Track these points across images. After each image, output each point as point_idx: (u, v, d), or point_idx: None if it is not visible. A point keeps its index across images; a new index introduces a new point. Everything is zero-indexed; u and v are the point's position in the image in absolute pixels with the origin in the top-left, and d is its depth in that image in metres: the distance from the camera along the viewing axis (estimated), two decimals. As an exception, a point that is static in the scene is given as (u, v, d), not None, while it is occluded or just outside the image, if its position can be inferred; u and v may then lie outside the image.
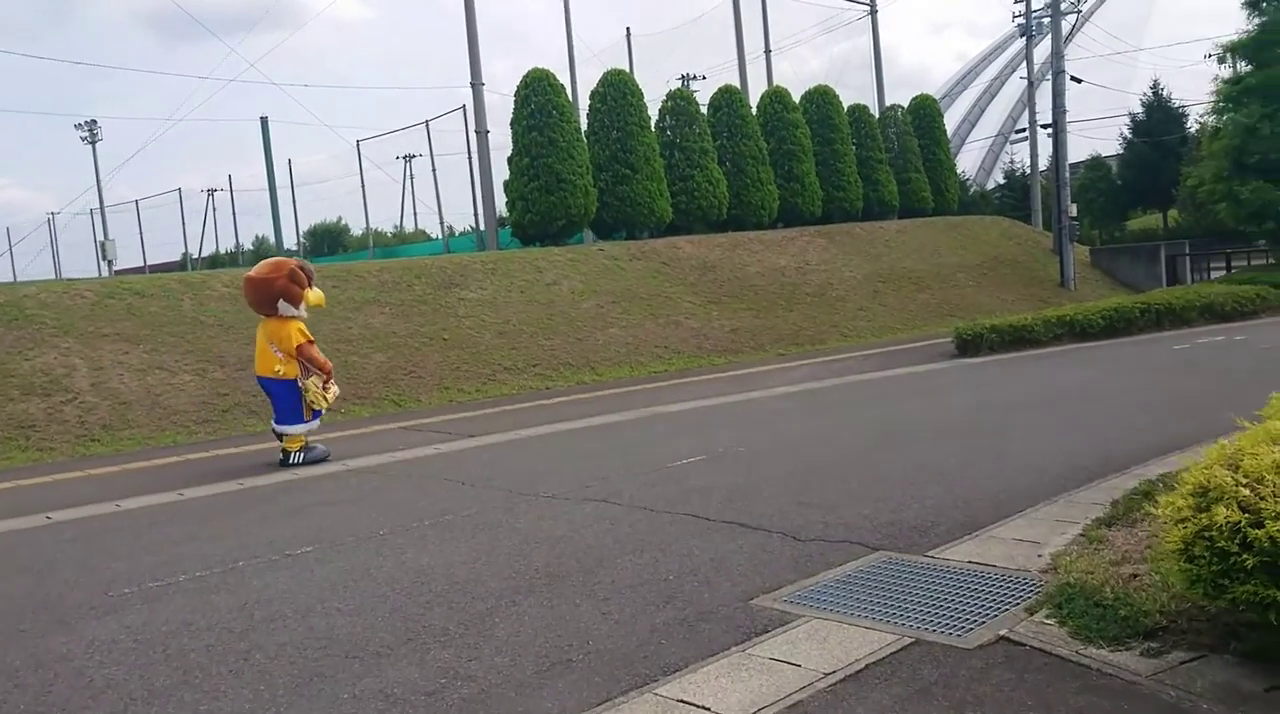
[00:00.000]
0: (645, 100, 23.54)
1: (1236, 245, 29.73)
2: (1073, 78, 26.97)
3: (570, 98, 21.89)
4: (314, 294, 9.40)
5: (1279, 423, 3.76)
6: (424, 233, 72.71)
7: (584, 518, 6.38)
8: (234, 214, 67.15)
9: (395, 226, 75.43)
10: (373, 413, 13.26)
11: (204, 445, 11.08)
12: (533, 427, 10.98)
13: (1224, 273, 24.02)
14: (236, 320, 14.03)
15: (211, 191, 50.04)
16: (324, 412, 9.50)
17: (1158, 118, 48.40)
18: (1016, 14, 33.50)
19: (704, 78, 49.03)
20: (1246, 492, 3.28)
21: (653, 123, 24.06)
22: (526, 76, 21.44)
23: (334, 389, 9.41)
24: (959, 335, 15.93)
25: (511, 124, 21.70)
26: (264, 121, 34.51)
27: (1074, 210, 26.29)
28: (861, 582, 4.75)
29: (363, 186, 35.74)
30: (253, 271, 9.41)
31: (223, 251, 50.59)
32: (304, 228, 72.20)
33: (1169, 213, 48.87)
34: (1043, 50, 35.64)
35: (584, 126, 23.27)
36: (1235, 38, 20.92)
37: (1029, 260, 26.93)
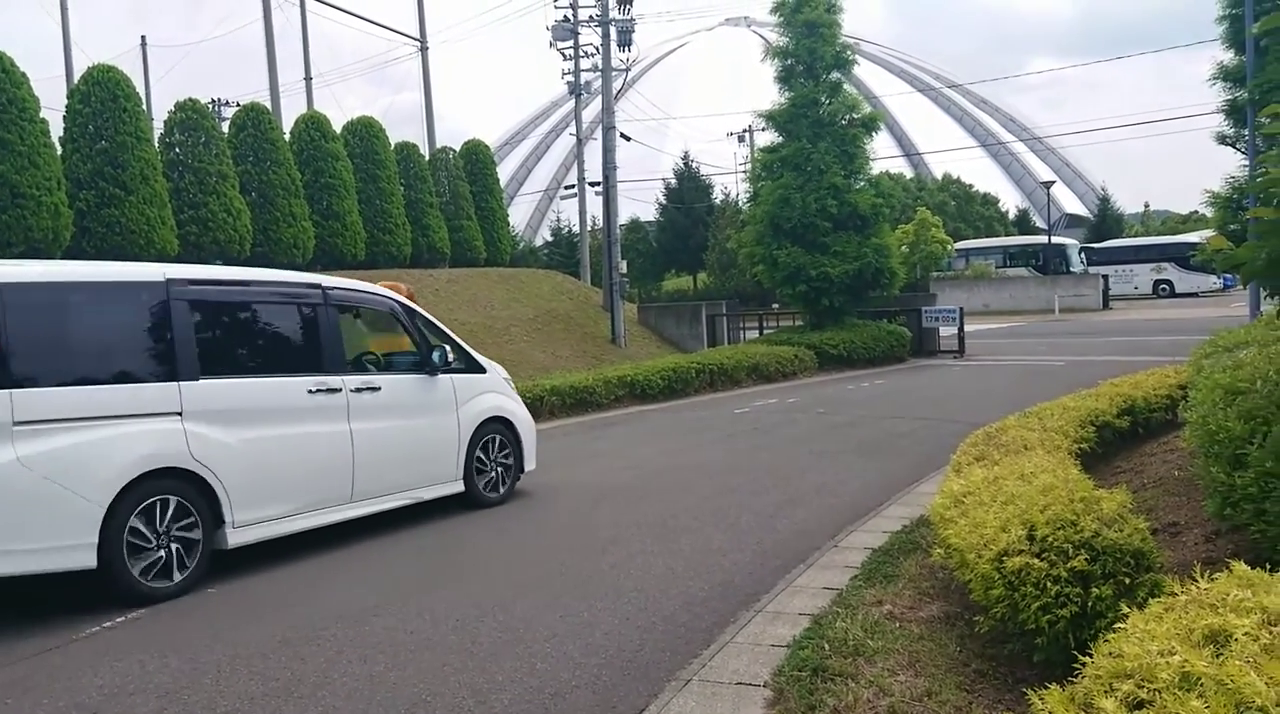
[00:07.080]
0: (146, 109, 19.29)
1: (757, 306, 31.76)
2: (622, 134, 27.04)
3: (35, 95, 16.95)
4: None
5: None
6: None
7: None
8: None
9: None
10: None
11: None
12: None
13: (758, 332, 24.97)
14: None
15: None
16: None
17: (689, 187, 52.22)
18: (566, 71, 33.45)
19: (239, 103, 43.85)
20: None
21: (157, 137, 19.82)
22: (-31, 58, 16.30)
23: None
24: (518, 398, 14.03)
25: (-55, 117, 16.34)
26: None
27: (624, 266, 26.09)
28: None
29: None
30: None
31: None
32: None
33: (698, 275, 52.66)
34: (591, 111, 36.14)
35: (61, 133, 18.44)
36: (771, 107, 21.76)
37: (581, 316, 26.26)
